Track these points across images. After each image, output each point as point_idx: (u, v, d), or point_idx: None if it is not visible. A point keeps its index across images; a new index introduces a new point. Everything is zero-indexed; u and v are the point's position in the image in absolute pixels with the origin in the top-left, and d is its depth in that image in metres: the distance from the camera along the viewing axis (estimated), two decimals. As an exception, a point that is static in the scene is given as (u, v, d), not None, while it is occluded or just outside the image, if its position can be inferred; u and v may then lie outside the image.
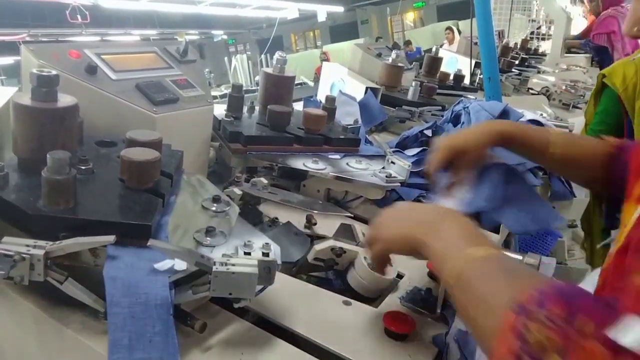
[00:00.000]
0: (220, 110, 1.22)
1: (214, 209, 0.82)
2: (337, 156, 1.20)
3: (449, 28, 7.73)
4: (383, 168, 1.17)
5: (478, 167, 0.99)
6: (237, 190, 0.93)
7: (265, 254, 0.71)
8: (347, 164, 1.17)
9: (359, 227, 1.00)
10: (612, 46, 3.74)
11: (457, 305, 0.55)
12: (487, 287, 0.49)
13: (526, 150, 1.00)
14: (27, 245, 0.62)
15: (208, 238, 0.73)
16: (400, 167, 1.14)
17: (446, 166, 0.96)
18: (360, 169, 1.15)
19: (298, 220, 1.02)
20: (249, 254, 0.71)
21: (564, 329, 0.38)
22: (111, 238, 0.63)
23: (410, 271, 0.93)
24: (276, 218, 1.02)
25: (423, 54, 2.45)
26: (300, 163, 1.11)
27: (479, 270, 0.53)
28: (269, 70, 1.28)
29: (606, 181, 0.92)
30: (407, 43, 9.75)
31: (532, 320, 0.40)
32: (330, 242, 0.96)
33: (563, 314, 0.38)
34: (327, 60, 9.43)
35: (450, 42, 6.69)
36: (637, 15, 0.62)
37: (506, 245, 1.25)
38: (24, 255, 0.60)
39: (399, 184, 1.12)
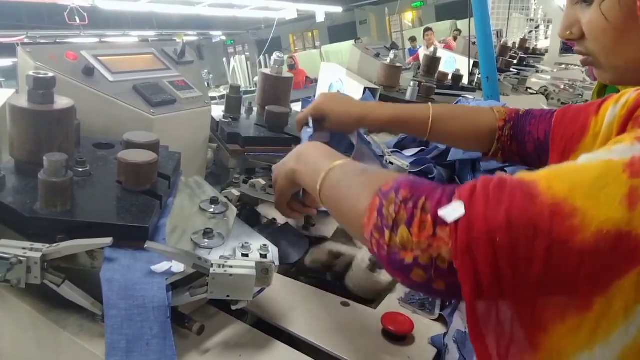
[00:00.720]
0: (218, 111, 1.22)
1: (211, 210, 0.81)
2: None
3: (428, 29, 7.48)
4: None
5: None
6: (235, 192, 0.93)
7: (263, 256, 0.71)
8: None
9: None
10: None
11: (329, 208, 0.65)
12: (354, 182, 0.60)
13: (407, 129, 1.03)
14: (24, 248, 0.62)
15: (206, 240, 0.73)
16: (398, 167, 1.14)
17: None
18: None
19: (296, 221, 1.02)
20: (247, 255, 0.71)
21: (410, 207, 0.49)
22: (108, 240, 0.63)
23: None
24: (274, 219, 1.02)
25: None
26: None
27: (342, 172, 0.64)
28: (267, 71, 1.28)
29: (507, 151, 0.95)
30: (413, 39, 9.70)
31: (388, 202, 0.51)
32: (329, 244, 0.96)
33: (409, 195, 0.50)
34: (295, 65, 9.32)
35: (430, 44, 6.51)
36: (569, 20, 0.64)
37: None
38: (21, 258, 0.60)
39: None
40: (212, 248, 0.72)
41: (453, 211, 0.47)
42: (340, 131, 1.01)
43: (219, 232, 0.75)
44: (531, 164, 0.94)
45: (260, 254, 0.71)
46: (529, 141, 0.90)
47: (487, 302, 0.48)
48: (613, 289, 0.44)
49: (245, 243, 0.73)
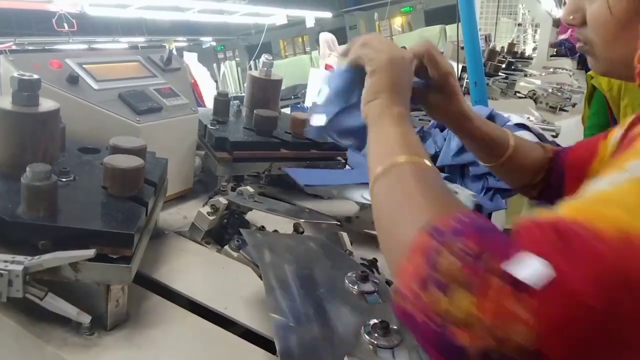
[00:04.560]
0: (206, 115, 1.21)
1: (369, 290, 0.66)
2: None
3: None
4: None
5: None
6: (223, 200, 0.92)
7: None
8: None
9: (346, 235, 0.99)
10: None
11: (375, 202, 0.54)
12: (407, 197, 0.49)
13: (485, 145, 0.87)
14: (5, 261, 0.60)
15: (383, 338, 0.58)
16: (466, 197, 1.09)
17: None
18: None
19: (285, 228, 1.01)
20: None
21: (474, 264, 0.37)
22: (91, 252, 0.62)
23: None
24: (263, 226, 1.01)
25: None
26: (358, 195, 1.04)
27: (403, 175, 0.52)
28: (256, 73, 1.27)
29: (542, 188, 0.90)
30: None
31: (445, 248, 0.39)
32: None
33: (476, 248, 0.38)
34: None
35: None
36: (573, 5, 0.63)
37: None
38: (2, 272, 0.59)
39: None
40: (393, 348, 0.58)
41: (535, 273, 0.35)
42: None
43: (391, 324, 0.59)
44: (552, 196, 0.89)
45: None
46: (553, 171, 0.89)
47: None
48: None
49: None
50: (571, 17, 0.63)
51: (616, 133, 0.77)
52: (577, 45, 0.67)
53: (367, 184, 0.89)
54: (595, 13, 0.59)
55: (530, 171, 0.90)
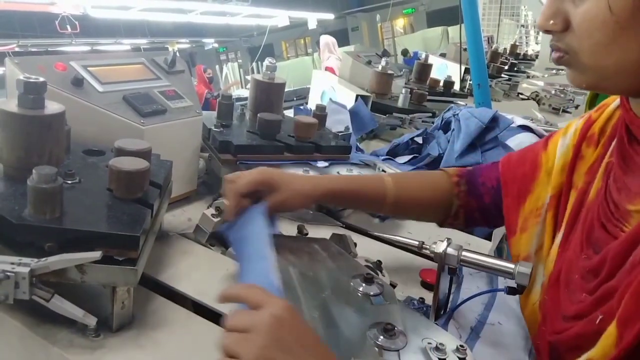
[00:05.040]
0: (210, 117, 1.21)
1: (374, 292, 0.67)
2: (325, 164, 1.19)
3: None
4: None
5: None
6: (227, 202, 0.92)
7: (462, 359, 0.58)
8: (338, 172, 1.16)
9: (350, 237, 0.99)
10: None
11: None
12: None
13: (361, 203, 0.91)
14: (12, 263, 0.60)
15: (389, 340, 0.58)
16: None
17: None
18: (352, 177, 1.15)
19: (289, 230, 1.01)
20: None
21: None
22: (97, 254, 0.62)
23: (403, 281, 0.93)
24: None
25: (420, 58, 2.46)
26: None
27: None
28: (259, 77, 1.27)
29: (466, 216, 0.88)
30: (405, 52, 9.62)
31: None
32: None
33: None
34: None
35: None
36: (552, 9, 0.55)
37: (499, 252, 1.24)
38: (9, 274, 0.59)
39: None
40: (398, 350, 0.58)
41: None
42: (285, 209, 0.83)
43: (397, 327, 0.60)
44: (490, 218, 0.88)
45: (459, 357, 0.58)
46: (485, 193, 0.86)
47: None
48: None
49: (440, 344, 0.59)
50: (551, 22, 0.55)
51: (560, 142, 0.74)
52: (555, 55, 0.57)
53: (299, 163, 1.00)
54: (588, 14, 0.52)
55: (433, 199, 0.88)
